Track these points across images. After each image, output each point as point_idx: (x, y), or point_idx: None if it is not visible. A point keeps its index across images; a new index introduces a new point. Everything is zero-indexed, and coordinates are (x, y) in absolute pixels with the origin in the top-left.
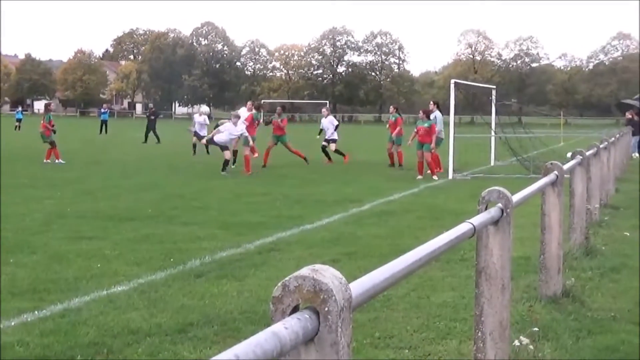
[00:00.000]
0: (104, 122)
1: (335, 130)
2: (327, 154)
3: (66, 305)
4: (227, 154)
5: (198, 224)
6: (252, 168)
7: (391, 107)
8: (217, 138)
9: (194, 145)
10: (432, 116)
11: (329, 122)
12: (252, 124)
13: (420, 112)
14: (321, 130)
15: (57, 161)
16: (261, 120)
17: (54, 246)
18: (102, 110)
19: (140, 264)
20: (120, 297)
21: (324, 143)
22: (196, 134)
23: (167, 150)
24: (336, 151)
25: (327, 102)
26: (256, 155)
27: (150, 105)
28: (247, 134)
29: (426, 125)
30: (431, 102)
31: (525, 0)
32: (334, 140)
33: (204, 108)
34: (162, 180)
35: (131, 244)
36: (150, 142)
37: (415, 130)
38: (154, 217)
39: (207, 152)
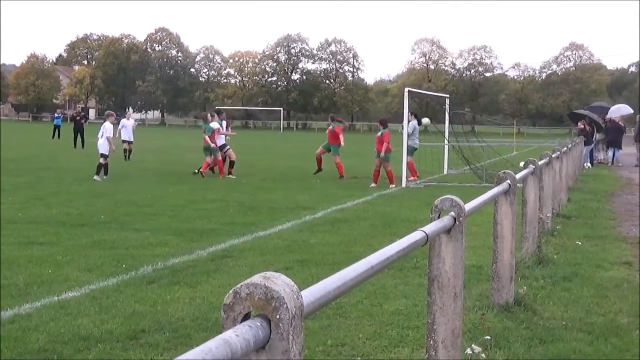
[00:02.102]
0: (57, 127)
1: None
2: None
3: (16, 311)
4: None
5: (151, 230)
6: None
7: (330, 115)
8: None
9: (125, 151)
10: (410, 124)
11: None
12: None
13: (378, 121)
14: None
15: None
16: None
17: (4, 251)
18: (56, 115)
19: (92, 270)
20: (72, 303)
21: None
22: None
23: (119, 157)
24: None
25: (281, 109)
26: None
27: (78, 107)
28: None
29: (378, 134)
30: (410, 113)
31: (479, 8)
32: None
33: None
34: (114, 187)
35: (83, 250)
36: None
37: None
38: (106, 223)
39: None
